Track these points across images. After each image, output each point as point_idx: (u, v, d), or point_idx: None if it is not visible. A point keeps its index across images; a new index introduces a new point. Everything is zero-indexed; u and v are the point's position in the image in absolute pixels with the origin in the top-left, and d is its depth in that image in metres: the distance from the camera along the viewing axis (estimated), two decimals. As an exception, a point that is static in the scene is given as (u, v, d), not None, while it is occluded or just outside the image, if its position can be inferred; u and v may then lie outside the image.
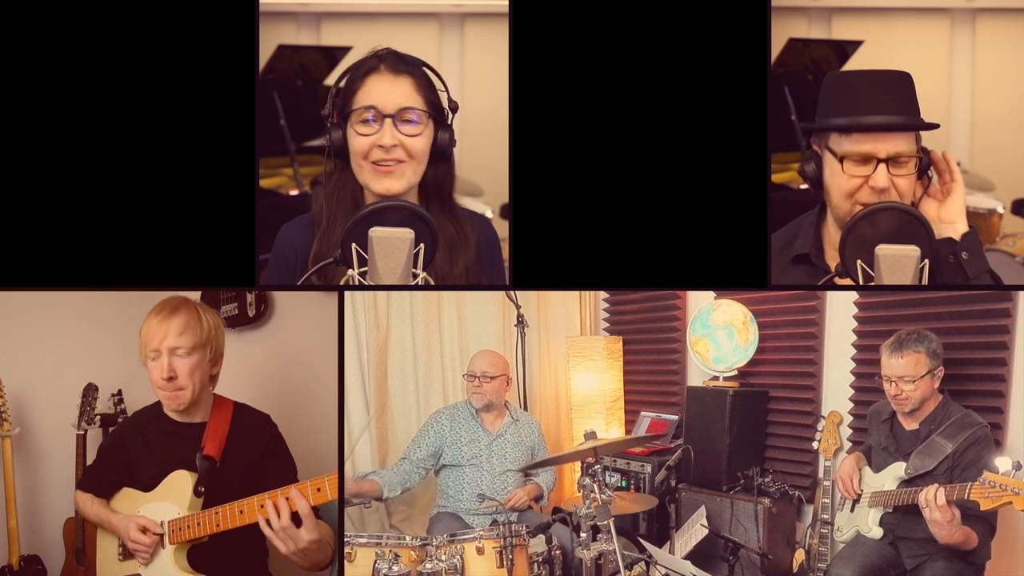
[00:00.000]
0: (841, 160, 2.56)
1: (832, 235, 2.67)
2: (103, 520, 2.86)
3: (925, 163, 2.59)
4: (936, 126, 2.60)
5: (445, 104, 2.65)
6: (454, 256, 2.65)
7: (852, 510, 3.10)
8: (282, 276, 2.70)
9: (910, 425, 3.02)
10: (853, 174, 2.55)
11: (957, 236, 2.56)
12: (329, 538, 2.67)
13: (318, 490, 2.51)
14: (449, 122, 2.65)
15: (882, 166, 2.53)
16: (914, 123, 2.57)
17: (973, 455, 2.87)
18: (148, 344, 2.77)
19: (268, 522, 2.53)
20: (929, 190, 2.62)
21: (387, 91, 2.58)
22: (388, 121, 2.56)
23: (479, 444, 3.67)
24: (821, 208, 2.72)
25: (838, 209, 2.60)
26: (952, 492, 2.70)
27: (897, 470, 2.98)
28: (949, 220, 2.58)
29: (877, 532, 3.00)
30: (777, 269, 2.76)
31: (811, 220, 2.73)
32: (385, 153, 2.57)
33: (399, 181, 2.59)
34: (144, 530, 2.73)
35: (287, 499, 2.51)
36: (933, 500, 2.70)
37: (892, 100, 2.55)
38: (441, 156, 2.64)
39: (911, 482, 2.93)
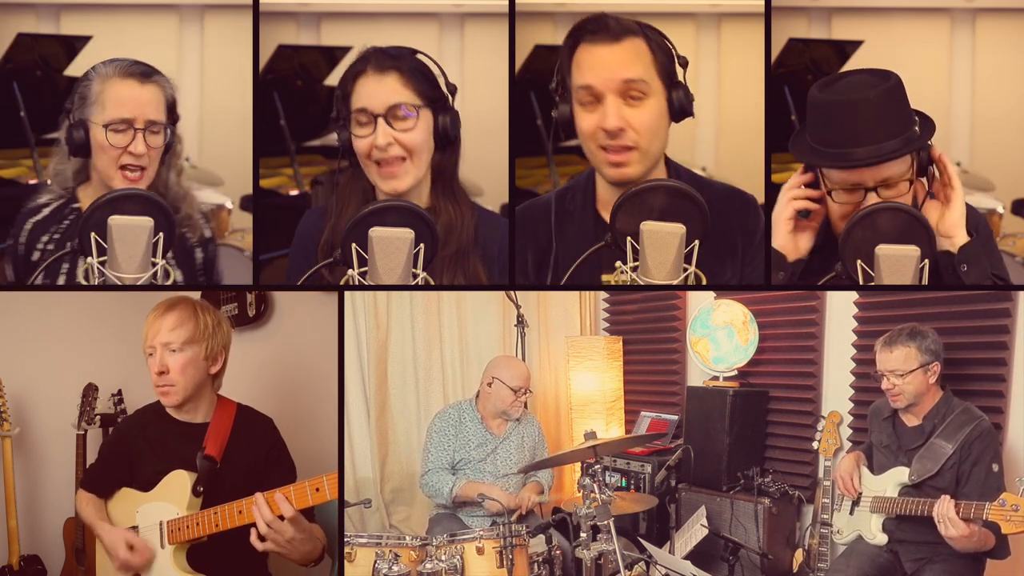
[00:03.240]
0: (830, 193, 2.56)
1: None
2: (94, 529, 2.84)
3: (925, 159, 2.53)
4: (926, 140, 2.50)
5: (444, 88, 2.65)
6: (447, 237, 2.64)
7: (851, 512, 3.08)
8: (299, 259, 2.72)
9: (912, 421, 3.00)
10: (843, 201, 2.55)
11: (955, 249, 2.51)
12: (319, 534, 2.68)
13: (317, 490, 2.51)
14: (450, 104, 2.65)
15: (871, 193, 2.51)
16: (901, 149, 2.47)
17: (979, 450, 2.85)
18: (145, 341, 2.79)
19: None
20: (933, 188, 2.56)
21: (374, 91, 2.60)
22: (380, 120, 2.58)
23: (486, 448, 3.66)
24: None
25: (837, 228, 2.59)
26: (969, 511, 2.67)
27: (899, 475, 2.95)
28: (946, 233, 2.52)
29: (882, 538, 2.97)
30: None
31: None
32: (383, 152, 2.59)
33: (403, 180, 2.61)
34: (132, 548, 2.72)
35: (269, 501, 2.53)
36: (946, 516, 2.68)
37: (877, 126, 2.46)
38: (445, 140, 2.65)
39: (915, 487, 2.91)
